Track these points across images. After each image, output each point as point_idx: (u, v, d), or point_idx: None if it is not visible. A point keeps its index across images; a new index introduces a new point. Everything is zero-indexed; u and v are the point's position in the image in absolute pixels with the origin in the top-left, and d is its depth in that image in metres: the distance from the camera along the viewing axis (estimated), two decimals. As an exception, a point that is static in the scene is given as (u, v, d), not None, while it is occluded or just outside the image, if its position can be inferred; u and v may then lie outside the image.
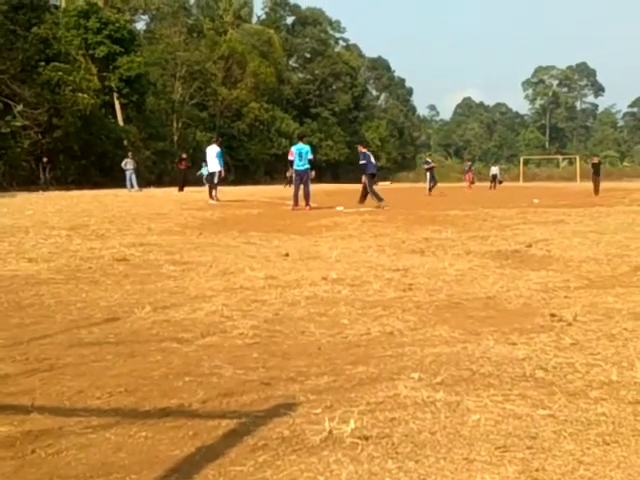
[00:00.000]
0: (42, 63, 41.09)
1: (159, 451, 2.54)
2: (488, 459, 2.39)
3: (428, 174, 31.20)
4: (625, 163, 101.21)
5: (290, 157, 17.87)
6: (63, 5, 51.28)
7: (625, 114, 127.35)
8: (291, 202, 17.86)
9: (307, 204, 17.32)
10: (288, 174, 21.21)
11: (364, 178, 18.89)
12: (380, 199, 18.11)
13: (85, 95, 42.76)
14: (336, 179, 64.81)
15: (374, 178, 19.23)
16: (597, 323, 4.43)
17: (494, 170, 45.47)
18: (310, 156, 17.63)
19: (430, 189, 29.89)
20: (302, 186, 17.54)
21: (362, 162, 18.91)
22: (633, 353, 3.68)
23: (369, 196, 18.82)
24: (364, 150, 19.34)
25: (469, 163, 53.83)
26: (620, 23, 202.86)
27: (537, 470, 2.30)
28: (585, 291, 5.66)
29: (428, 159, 35.37)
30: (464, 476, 2.27)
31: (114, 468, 2.41)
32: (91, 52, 47.61)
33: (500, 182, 44.39)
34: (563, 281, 6.13)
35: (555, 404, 2.93)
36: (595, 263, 7.18)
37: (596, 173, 27.93)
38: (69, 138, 42.17)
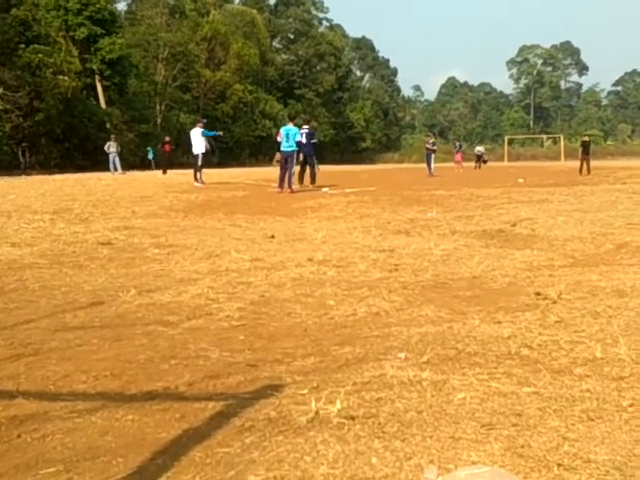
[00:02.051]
0: (22, 45, 40.48)
1: (146, 434, 2.54)
2: (474, 437, 2.41)
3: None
4: (609, 142, 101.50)
5: (278, 138, 17.82)
6: (43, -14, 50.51)
7: (609, 93, 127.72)
8: (276, 184, 17.79)
9: (289, 186, 17.25)
10: (275, 160, 21.09)
11: (302, 156, 18.74)
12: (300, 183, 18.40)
13: (66, 77, 42.22)
14: (321, 160, 64.71)
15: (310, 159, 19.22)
16: (581, 301, 4.47)
17: (479, 150, 45.46)
18: (298, 138, 17.58)
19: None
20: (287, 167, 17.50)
21: (313, 141, 18.98)
22: (617, 330, 3.71)
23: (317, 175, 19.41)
24: (307, 127, 19.45)
25: (459, 143, 53.58)
26: (604, 2, 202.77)
27: (522, 447, 2.32)
28: (569, 269, 5.70)
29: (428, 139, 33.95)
30: (450, 454, 2.29)
31: (100, 452, 2.40)
32: (72, 34, 46.99)
33: (485, 162, 44.37)
34: (548, 260, 6.17)
35: (540, 381, 2.95)
36: (579, 241, 7.22)
37: (585, 152, 27.65)
38: (51, 121, 41.70)
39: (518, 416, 2.58)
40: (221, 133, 22.14)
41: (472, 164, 43.99)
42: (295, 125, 18.42)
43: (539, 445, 2.33)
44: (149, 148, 44.81)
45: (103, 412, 2.74)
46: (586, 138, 29.92)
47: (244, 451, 2.36)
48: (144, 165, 42.80)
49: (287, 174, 17.35)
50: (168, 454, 2.36)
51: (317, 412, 2.64)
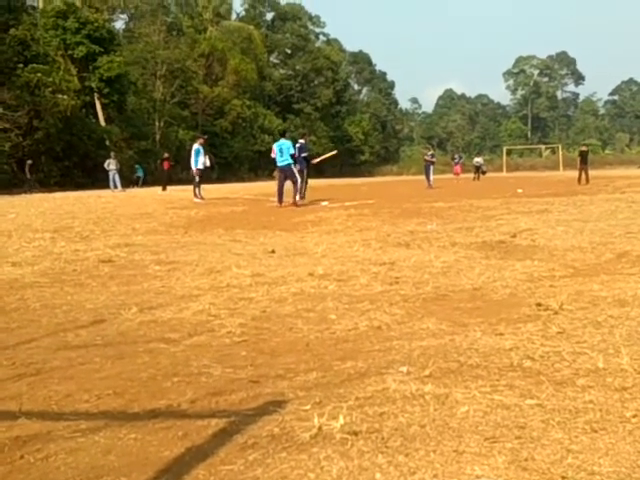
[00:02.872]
0: (21, 65, 40.61)
1: (149, 452, 2.54)
2: (477, 450, 2.40)
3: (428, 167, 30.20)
4: (607, 151, 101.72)
5: (272, 155, 17.88)
6: (41, 6, 50.74)
7: (606, 102, 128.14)
8: (275, 199, 17.83)
9: (294, 199, 17.29)
10: (274, 174, 21.21)
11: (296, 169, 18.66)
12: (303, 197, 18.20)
13: (65, 96, 42.37)
14: (320, 174, 64.76)
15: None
16: (583, 311, 4.46)
17: (478, 161, 45.57)
18: (292, 151, 17.60)
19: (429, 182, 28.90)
20: (286, 181, 17.54)
21: (304, 155, 18.79)
22: (619, 340, 3.71)
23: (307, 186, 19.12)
24: (302, 140, 19.41)
25: (458, 155, 53.68)
26: (599, 11, 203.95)
27: (526, 460, 2.31)
28: (570, 280, 5.69)
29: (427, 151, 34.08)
30: (454, 468, 2.28)
31: (104, 471, 2.39)
32: (70, 52, 47.15)
33: (484, 173, 44.46)
34: (548, 270, 6.17)
35: (543, 393, 2.94)
36: (580, 251, 7.22)
37: (584, 161, 27.61)
38: (50, 140, 41.78)
39: (521, 429, 2.57)
40: (196, 167, 21.56)
41: (471, 175, 44.09)
42: (289, 139, 18.48)
43: (543, 458, 2.33)
44: (137, 166, 44.86)
45: (106, 431, 2.74)
46: (584, 148, 29.93)
47: (247, 468, 2.36)
48: (132, 182, 42.53)
49: (294, 187, 17.42)
50: (171, 473, 2.36)
51: (320, 428, 2.63)
